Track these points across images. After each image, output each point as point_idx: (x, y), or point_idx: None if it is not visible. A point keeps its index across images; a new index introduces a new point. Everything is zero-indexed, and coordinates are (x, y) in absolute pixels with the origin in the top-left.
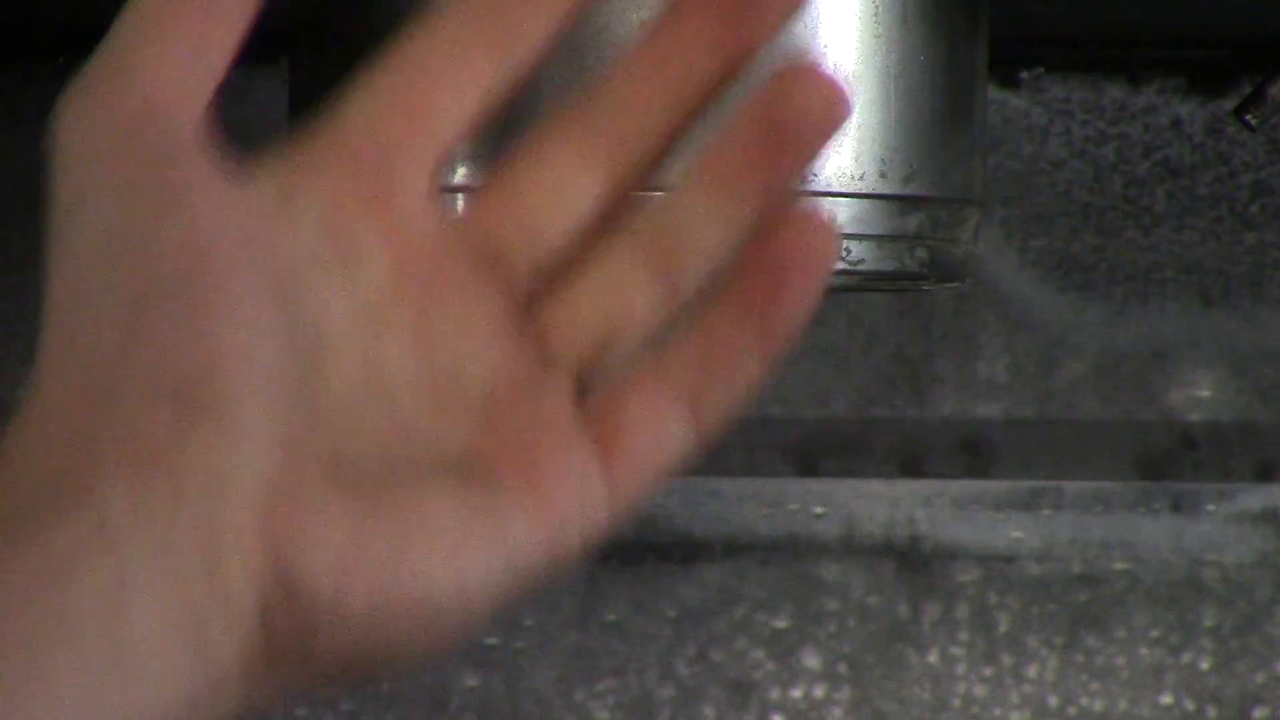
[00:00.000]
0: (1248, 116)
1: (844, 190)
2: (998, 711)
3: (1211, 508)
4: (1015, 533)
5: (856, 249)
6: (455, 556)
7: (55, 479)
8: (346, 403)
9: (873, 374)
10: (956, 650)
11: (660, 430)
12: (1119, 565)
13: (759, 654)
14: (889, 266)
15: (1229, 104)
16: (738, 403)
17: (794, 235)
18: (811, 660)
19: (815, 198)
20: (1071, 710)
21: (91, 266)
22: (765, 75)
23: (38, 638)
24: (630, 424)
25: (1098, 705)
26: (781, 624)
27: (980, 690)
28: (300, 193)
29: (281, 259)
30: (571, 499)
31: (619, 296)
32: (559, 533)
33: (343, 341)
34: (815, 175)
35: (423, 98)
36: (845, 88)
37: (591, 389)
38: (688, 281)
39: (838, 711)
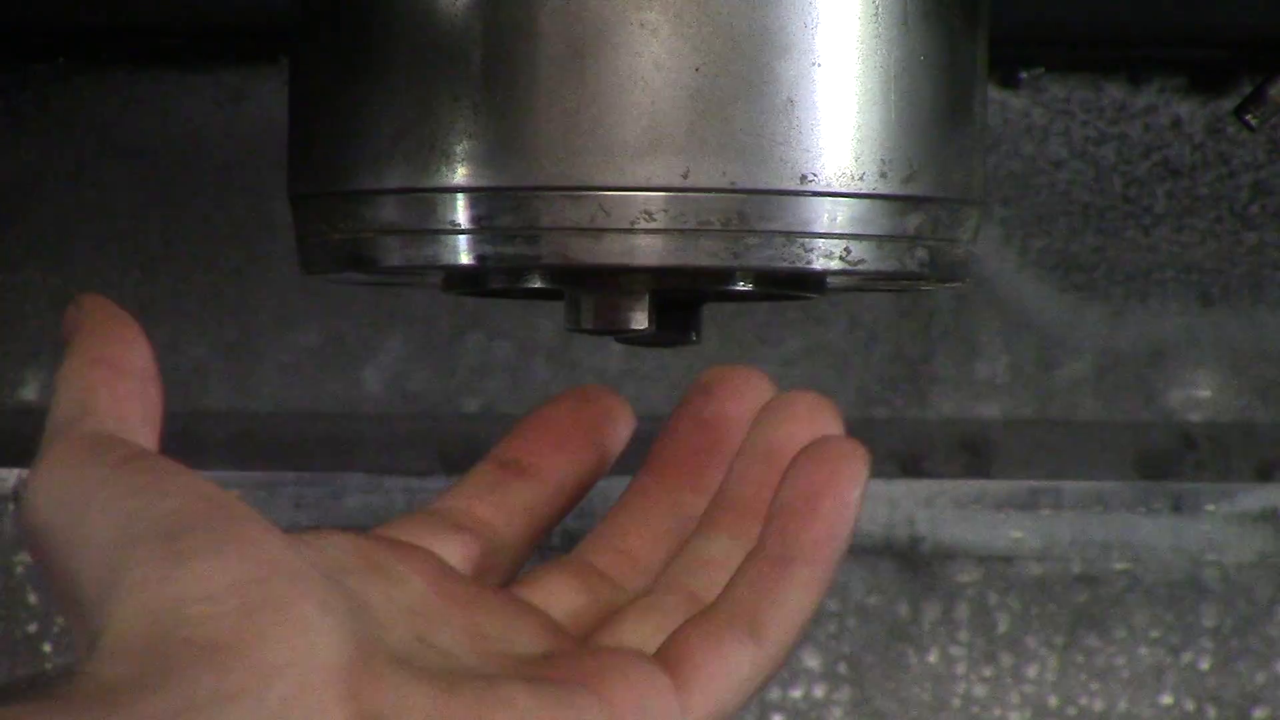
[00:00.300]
0: (1248, 116)
1: (844, 190)
2: (998, 711)
3: (1211, 508)
4: (1015, 533)
5: (856, 249)
6: None
7: (136, 673)
8: (403, 651)
9: (873, 374)
10: (956, 650)
11: (725, 657)
12: (1119, 565)
13: None
14: (889, 266)
15: (1229, 104)
16: (799, 623)
17: (825, 463)
18: (811, 660)
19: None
20: (1071, 710)
21: (115, 533)
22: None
23: None
24: (695, 654)
25: (1098, 705)
26: None
27: (980, 690)
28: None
29: (306, 545)
30: (641, 707)
31: (657, 625)
32: None
33: (390, 622)
34: (815, 176)
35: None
36: (825, 400)
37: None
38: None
39: (838, 711)
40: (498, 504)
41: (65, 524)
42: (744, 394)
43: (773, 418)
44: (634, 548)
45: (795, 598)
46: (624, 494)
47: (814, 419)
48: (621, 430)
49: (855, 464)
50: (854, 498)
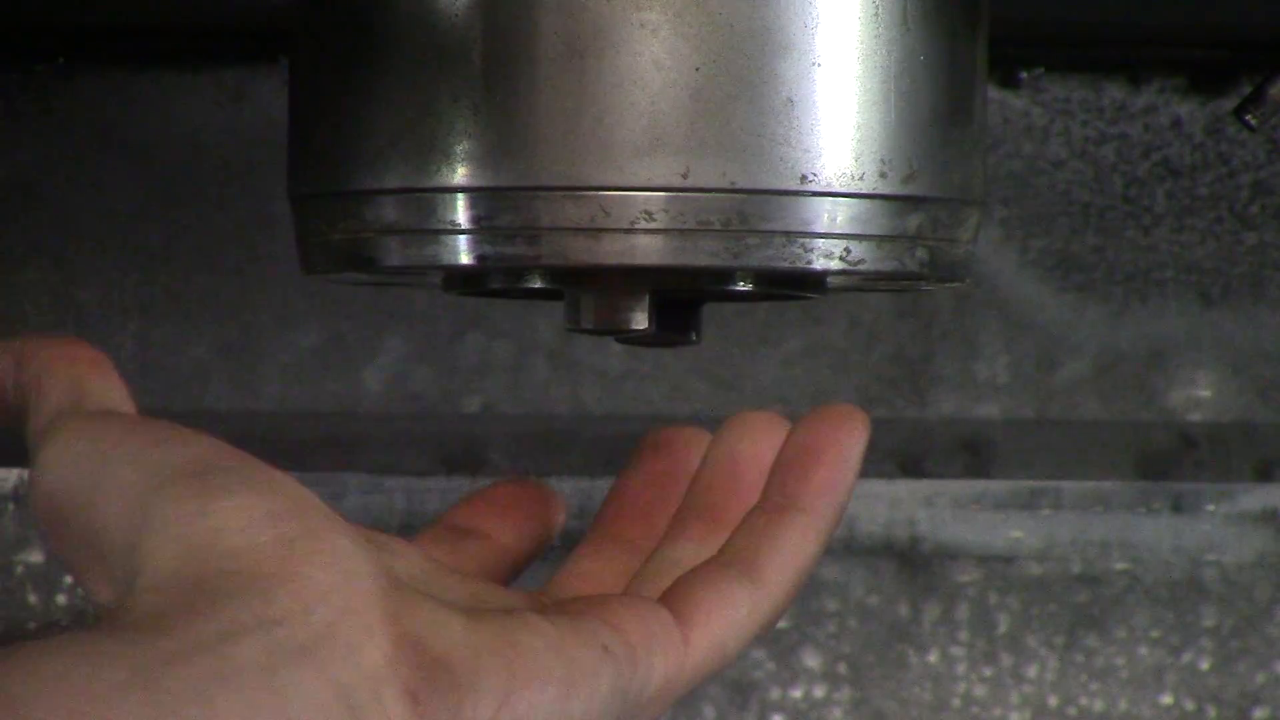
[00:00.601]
0: (1248, 116)
1: (844, 190)
2: (998, 711)
3: (1211, 508)
4: (1015, 533)
5: (856, 249)
6: (561, 649)
7: (180, 602)
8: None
9: (873, 374)
10: (956, 650)
11: (723, 595)
12: (1119, 565)
13: (759, 654)
14: (889, 266)
15: (1229, 104)
16: (797, 568)
17: (826, 422)
18: (811, 660)
19: (815, 197)
20: (1071, 710)
21: (142, 478)
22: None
23: (206, 689)
24: (695, 593)
25: (1098, 705)
26: (781, 624)
27: (980, 690)
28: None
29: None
30: (648, 633)
31: None
32: (642, 656)
33: (403, 576)
34: (815, 176)
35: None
36: (780, 420)
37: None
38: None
39: (838, 711)
40: (452, 555)
41: (85, 480)
42: (693, 449)
43: (732, 432)
44: (596, 578)
45: (792, 543)
46: (578, 546)
47: (771, 431)
48: (557, 514)
49: (856, 424)
50: (854, 453)
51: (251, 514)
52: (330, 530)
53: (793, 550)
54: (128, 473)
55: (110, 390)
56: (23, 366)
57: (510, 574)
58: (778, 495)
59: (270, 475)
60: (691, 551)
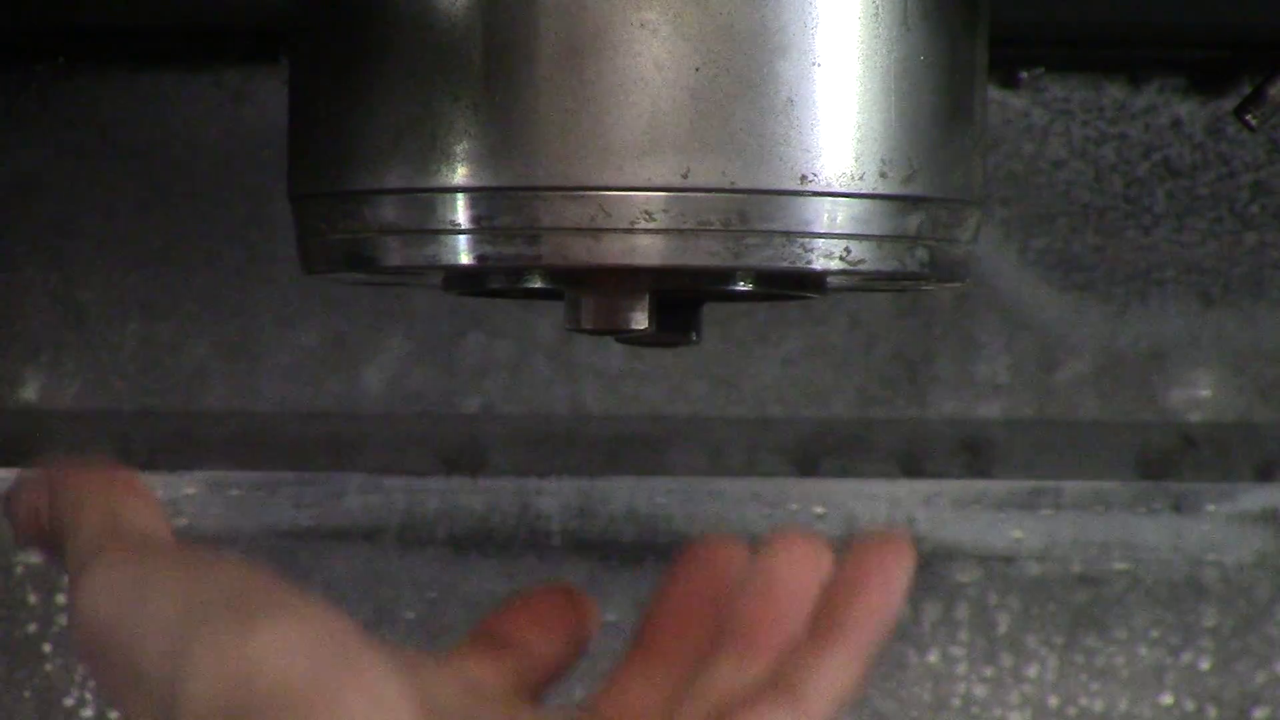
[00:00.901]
0: (1248, 116)
1: (844, 190)
2: (998, 711)
3: (1211, 508)
4: (1015, 533)
5: (856, 249)
6: None
7: None
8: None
9: (873, 374)
10: (956, 650)
11: (761, 716)
12: (1119, 565)
13: None
14: (889, 266)
15: (1229, 104)
16: (838, 691)
17: (871, 552)
18: None
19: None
20: (1071, 710)
21: (180, 608)
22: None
23: None
24: (734, 715)
25: (1098, 705)
26: None
27: (980, 690)
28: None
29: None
30: None
31: None
32: None
33: (437, 704)
34: (815, 176)
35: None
36: (821, 543)
37: None
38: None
39: None
40: (490, 667)
41: (124, 614)
42: (731, 562)
43: (772, 553)
44: (637, 697)
45: (835, 667)
46: (619, 664)
47: (810, 554)
48: (592, 624)
49: (903, 555)
50: (899, 581)
51: (289, 644)
52: (367, 658)
53: (836, 675)
54: (166, 606)
55: (146, 514)
56: (57, 493)
57: (546, 683)
58: (822, 624)
59: (306, 603)
60: (730, 672)
